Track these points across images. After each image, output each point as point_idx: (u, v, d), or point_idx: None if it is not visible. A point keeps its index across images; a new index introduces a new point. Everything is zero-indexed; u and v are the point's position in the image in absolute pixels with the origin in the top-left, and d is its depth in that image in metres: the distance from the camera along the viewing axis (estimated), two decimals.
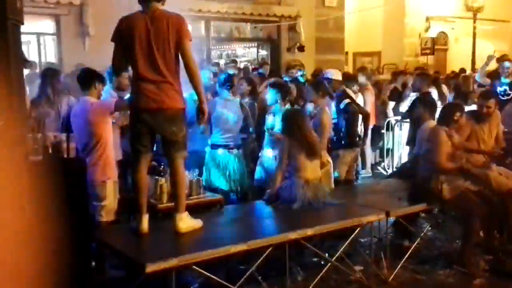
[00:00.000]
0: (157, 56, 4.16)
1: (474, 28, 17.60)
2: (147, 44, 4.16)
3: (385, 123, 9.82)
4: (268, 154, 6.29)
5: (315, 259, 5.52)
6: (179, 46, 4.19)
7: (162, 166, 5.42)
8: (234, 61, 14.00)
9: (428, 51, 19.21)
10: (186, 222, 4.42)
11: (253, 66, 14.11)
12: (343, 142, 6.77)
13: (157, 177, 5.32)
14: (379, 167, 10.33)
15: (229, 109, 6.25)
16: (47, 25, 12.17)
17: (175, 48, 4.18)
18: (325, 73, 7.96)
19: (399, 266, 5.30)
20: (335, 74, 7.60)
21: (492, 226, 5.67)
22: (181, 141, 4.34)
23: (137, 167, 4.40)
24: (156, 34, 4.15)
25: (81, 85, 5.07)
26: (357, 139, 7.08)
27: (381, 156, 10.36)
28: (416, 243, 5.61)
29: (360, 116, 7.10)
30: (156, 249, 4.13)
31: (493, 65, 10.42)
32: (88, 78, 5.07)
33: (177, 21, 4.22)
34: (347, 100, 6.91)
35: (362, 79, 9.85)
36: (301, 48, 15.05)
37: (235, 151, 6.33)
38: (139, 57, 4.18)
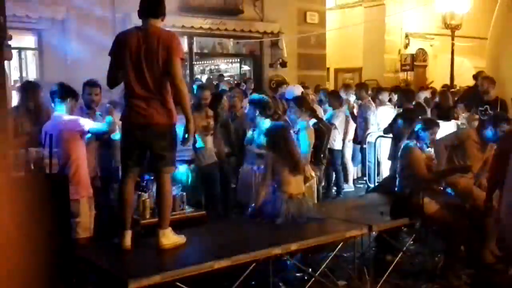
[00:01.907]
0: (146, 73, 4.18)
1: (452, 45, 17.86)
2: (138, 60, 4.19)
3: (366, 138, 9.91)
4: (246, 169, 6.32)
5: (298, 274, 5.50)
6: (168, 64, 4.19)
7: (145, 182, 5.39)
8: (221, 75, 14.10)
9: (407, 67, 19.53)
10: (169, 238, 4.39)
11: (236, 81, 14.21)
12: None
13: (140, 192, 5.28)
14: (361, 182, 10.41)
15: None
16: (29, 40, 12.12)
17: (164, 65, 4.19)
18: (286, 92, 8.03)
19: (382, 280, 5.32)
20: (295, 91, 7.66)
21: (472, 240, 5.73)
22: (169, 157, 4.35)
23: (124, 182, 4.40)
24: (147, 51, 4.18)
25: (54, 101, 5.05)
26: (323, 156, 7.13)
27: (363, 170, 10.46)
28: (398, 257, 5.64)
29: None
30: (138, 266, 4.10)
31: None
32: (61, 94, 5.04)
33: (168, 38, 4.24)
34: (314, 120, 6.97)
35: (344, 95, 10.05)
36: (284, 64, 15.18)
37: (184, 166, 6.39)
38: (130, 73, 4.22)
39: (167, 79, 4.26)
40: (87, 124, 5.12)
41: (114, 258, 4.28)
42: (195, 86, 7.41)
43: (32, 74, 12.12)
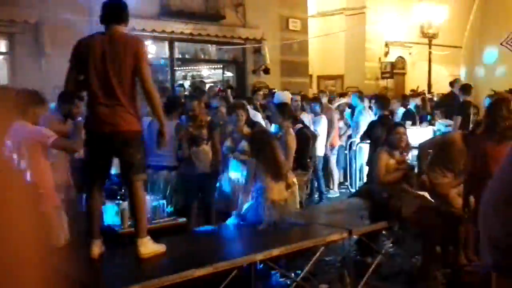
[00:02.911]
0: (112, 79, 4.06)
1: (430, 53, 18.28)
2: (102, 66, 4.06)
3: (348, 143, 10.11)
4: (232, 176, 6.41)
5: (281, 279, 5.55)
6: (137, 70, 4.10)
7: (123, 190, 5.34)
8: (202, 81, 14.05)
9: (387, 75, 19.84)
10: (148, 247, 4.25)
11: (219, 87, 14.25)
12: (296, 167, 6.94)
13: (118, 201, 5.27)
14: (344, 187, 10.58)
15: None
16: (0, 44, 11.66)
17: (132, 72, 4.10)
18: (274, 98, 8.14)
19: (362, 282, 5.42)
20: (284, 97, 7.78)
21: (447, 241, 5.91)
22: (139, 164, 4.23)
23: (91, 192, 4.31)
24: (112, 57, 4.06)
25: (18, 108, 4.61)
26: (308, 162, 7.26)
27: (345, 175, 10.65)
28: (377, 259, 5.74)
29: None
30: (117, 276, 4.07)
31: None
32: (25, 101, 4.70)
33: (135, 43, 4.16)
34: (299, 125, 7.11)
35: (325, 100, 10.23)
36: (266, 71, 15.11)
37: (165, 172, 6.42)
38: (93, 80, 4.09)
39: (133, 85, 4.16)
40: (51, 137, 4.71)
41: (91, 269, 4.21)
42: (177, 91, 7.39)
43: (3, 79, 11.30)
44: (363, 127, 9.67)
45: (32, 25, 11.12)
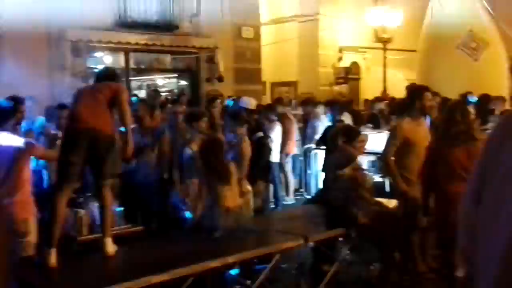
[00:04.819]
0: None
1: (384, 58, 18.45)
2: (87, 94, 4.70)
3: (303, 150, 10.08)
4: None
5: (237, 287, 5.53)
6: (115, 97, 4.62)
7: (81, 198, 5.39)
8: (156, 91, 13.96)
9: (341, 80, 19.96)
10: (113, 247, 4.54)
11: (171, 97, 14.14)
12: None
13: (76, 209, 5.27)
14: (299, 193, 10.55)
15: None
16: None
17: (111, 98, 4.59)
18: (240, 101, 8.08)
19: None
20: (250, 103, 7.73)
21: (406, 248, 5.89)
22: (110, 168, 4.53)
23: (58, 197, 4.41)
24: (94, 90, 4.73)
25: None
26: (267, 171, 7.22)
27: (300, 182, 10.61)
28: (334, 267, 5.70)
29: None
30: (77, 283, 4.09)
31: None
32: (4, 112, 4.90)
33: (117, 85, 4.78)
34: (260, 134, 7.04)
35: (281, 108, 10.19)
36: (220, 79, 15.25)
37: None
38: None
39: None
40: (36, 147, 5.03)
41: (50, 277, 4.23)
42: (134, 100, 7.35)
43: None
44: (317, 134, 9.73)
45: None
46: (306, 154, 10.14)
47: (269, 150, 7.19)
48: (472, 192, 2.39)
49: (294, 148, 10.14)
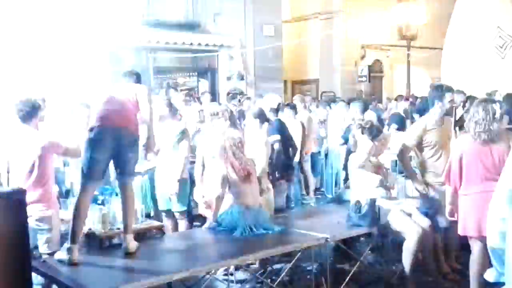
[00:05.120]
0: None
1: (408, 55, 18.19)
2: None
3: (323, 149, 9.99)
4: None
5: (257, 285, 5.52)
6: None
7: (103, 195, 5.41)
8: (175, 89, 14.02)
9: (364, 79, 19.76)
10: (135, 243, 4.63)
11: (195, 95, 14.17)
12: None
13: (99, 206, 5.30)
14: (319, 193, 10.47)
15: None
16: None
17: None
18: (263, 99, 8.00)
19: None
20: (273, 101, 7.65)
21: (429, 247, 5.79)
22: (133, 166, 4.70)
23: (83, 194, 4.50)
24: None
25: (23, 117, 4.91)
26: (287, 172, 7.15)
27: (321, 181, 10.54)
28: (356, 267, 5.66)
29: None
30: (99, 279, 4.14)
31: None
32: (31, 109, 4.95)
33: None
34: (277, 137, 6.97)
35: (300, 106, 10.10)
36: (241, 77, 15.26)
37: None
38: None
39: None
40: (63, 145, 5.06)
41: (74, 273, 4.28)
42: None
43: None
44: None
45: None
46: (327, 153, 10.05)
47: (292, 149, 7.14)
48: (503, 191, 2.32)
49: (314, 147, 10.05)
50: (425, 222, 5.51)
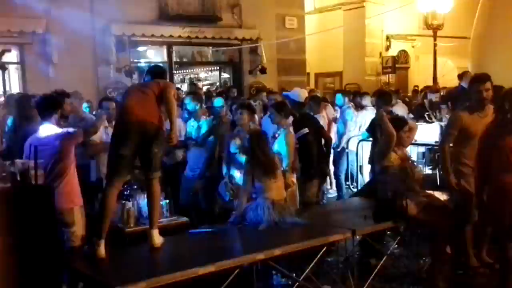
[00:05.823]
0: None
1: (435, 45, 17.80)
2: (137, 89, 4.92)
3: (347, 142, 9.85)
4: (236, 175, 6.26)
5: (283, 280, 5.48)
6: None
7: (128, 191, 5.48)
8: (193, 84, 14.09)
9: (389, 70, 19.52)
10: (160, 238, 4.65)
11: (216, 90, 14.18)
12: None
13: (124, 201, 5.35)
14: (345, 186, 10.34)
15: None
16: (11, 54, 12.05)
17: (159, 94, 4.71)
18: (290, 93, 7.82)
19: (366, 284, 5.28)
20: (300, 95, 7.46)
21: (458, 241, 5.69)
22: (159, 161, 4.69)
23: (109, 190, 4.54)
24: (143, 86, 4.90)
25: (42, 113, 5.00)
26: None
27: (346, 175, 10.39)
28: (382, 261, 5.59)
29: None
30: (125, 273, 4.16)
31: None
32: (49, 105, 5.02)
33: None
34: (305, 130, 6.87)
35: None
36: (263, 70, 15.18)
37: None
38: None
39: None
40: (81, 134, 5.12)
41: (100, 266, 4.35)
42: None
43: (15, 88, 12.22)
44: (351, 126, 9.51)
45: (40, 35, 12.08)
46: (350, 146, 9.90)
47: (325, 141, 7.06)
48: None
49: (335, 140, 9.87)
50: (453, 215, 5.41)
